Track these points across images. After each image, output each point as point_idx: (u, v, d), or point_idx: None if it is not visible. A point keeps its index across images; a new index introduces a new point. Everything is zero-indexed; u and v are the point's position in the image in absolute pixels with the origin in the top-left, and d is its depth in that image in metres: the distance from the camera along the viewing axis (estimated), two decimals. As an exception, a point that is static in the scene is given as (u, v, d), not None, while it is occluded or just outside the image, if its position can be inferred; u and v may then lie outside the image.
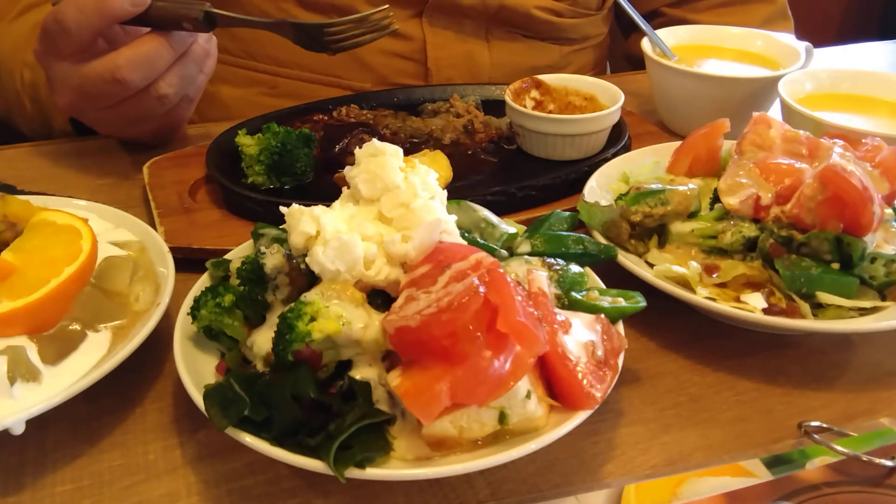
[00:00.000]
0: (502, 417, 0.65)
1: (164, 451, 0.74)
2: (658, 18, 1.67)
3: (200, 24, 1.06)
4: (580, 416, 0.66)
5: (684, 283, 0.85)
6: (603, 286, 0.81)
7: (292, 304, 0.66)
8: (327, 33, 1.10)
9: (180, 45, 1.07)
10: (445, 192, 0.77)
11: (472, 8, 1.43)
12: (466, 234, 0.79)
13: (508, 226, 0.86)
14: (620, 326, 0.76)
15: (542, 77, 1.24)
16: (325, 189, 1.06)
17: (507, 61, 1.51)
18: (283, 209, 0.74)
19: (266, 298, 0.73)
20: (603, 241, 0.89)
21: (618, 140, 1.17)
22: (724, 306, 0.81)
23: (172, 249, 0.88)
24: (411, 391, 0.62)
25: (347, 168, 0.76)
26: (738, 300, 0.83)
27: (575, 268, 0.79)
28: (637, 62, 1.62)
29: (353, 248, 0.68)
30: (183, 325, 0.75)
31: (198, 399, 0.67)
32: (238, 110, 1.45)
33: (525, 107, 1.18)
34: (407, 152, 0.80)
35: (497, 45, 1.50)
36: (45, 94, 1.27)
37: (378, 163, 0.73)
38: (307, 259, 0.70)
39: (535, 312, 0.68)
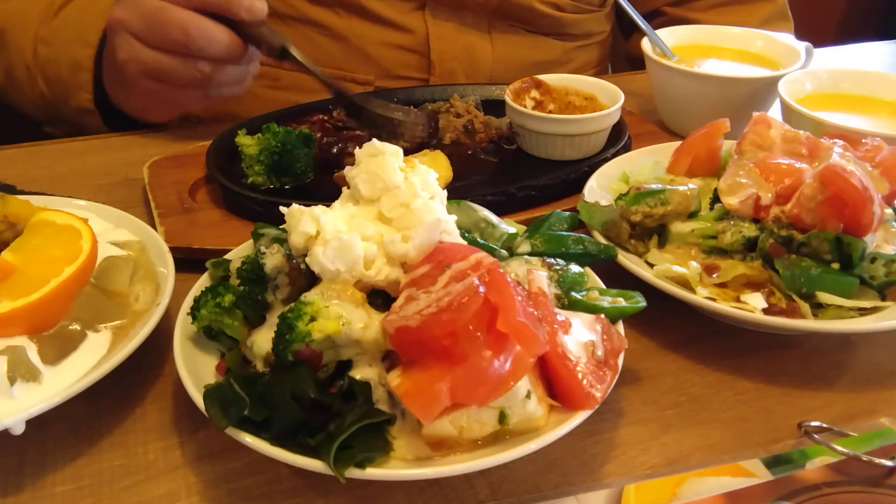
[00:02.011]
0: (502, 417, 0.65)
1: (164, 451, 0.74)
2: (659, 18, 1.68)
3: (273, 52, 1.15)
4: (580, 416, 0.66)
5: (684, 283, 0.85)
6: (603, 286, 0.81)
7: (292, 304, 0.66)
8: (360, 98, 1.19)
9: (248, 57, 1.18)
10: (445, 192, 0.77)
11: (474, 0, 1.44)
12: (466, 234, 0.79)
13: (508, 226, 0.86)
14: (620, 326, 0.76)
15: (543, 77, 1.24)
16: (325, 189, 1.06)
17: (510, 55, 1.51)
18: (283, 209, 0.74)
19: (266, 298, 0.73)
20: (603, 241, 0.89)
21: (618, 140, 1.17)
22: (724, 306, 0.81)
23: (172, 249, 0.88)
24: (411, 391, 0.62)
25: (347, 168, 0.76)
26: (738, 300, 0.83)
27: (575, 268, 0.79)
28: (637, 62, 1.62)
29: (353, 248, 0.68)
30: (183, 325, 0.75)
31: (198, 399, 0.67)
32: (241, 103, 1.44)
33: (525, 107, 1.18)
34: (407, 152, 0.80)
35: (499, 39, 1.50)
36: (65, 73, 1.27)
37: (378, 163, 0.73)
38: (307, 259, 0.70)
39: (535, 312, 0.68)
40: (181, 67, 1.13)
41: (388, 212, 0.72)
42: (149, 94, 1.20)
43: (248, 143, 1.09)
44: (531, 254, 0.81)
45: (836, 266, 0.82)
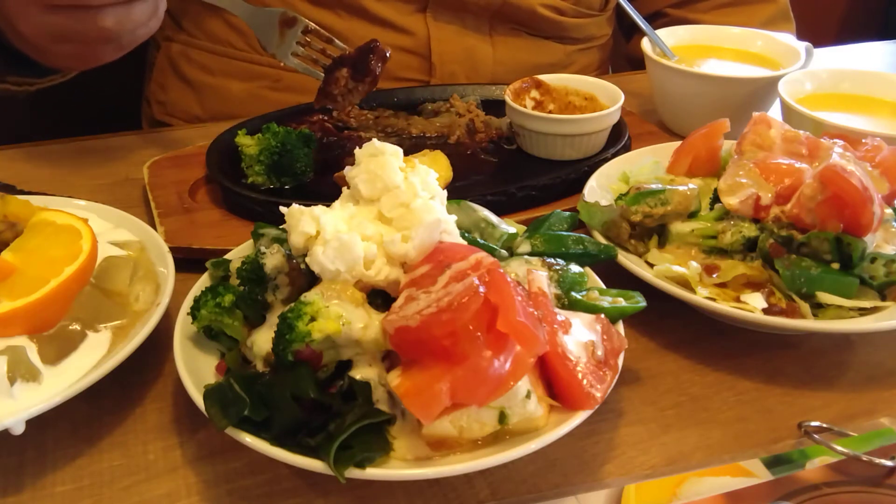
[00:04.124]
0: (502, 417, 0.65)
1: (164, 451, 0.74)
2: (661, 19, 1.67)
3: None
4: (580, 416, 0.66)
5: (684, 283, 0.85)
6: (603, 286, 0.81)
7: (292, 304, 0.66)
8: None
9: None
10: (445, 192, 0.77)
11: (475, 3, 1.44)
12: (466, 234, 0.79)
13: (508, 226, 0.86)
14: (620, 326, 0.76)
15: (543, 77, 1.24)
16: (325, 189, 1.06)
17: (511, 58, 1.51)
18: (283, 209, 0.74)
19: (266, 298, 0.73)
20: (603, 241, 0.89)
21: (618, 140, 1.17)
22: (724, 306, 0.81)
23: (172, 249, 0.88)
24: (411, 391, 0.62)
25: (347, 168, 0.76)
26: (738, 300, 0.83)
27: (575, 268, 0.79)
28: (637, 63, 1.62)
29: (353, 248, 0.68)
30: (183, 325, 0.75)
31: (198, 399, 0.67)
32: (242, 104, 1.45)
33: (525, 107, 1.18)
34: (408, 152, 0.80)
35: (500, 42, 1.50)
36: None
37: (378, 163, 0.73)
38: (307, 259, 0.70)
39: (535, 312, 0.68)
40: (83, 27, 1.03)
41: (388, 212, 0.72)
42: (65, 55, 1.12)
43: (248, 143, 1.09)
44: (531, 254, 0.81)
45: (836, 266, 0.82)
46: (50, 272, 0.77)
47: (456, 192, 0.93)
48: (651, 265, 0.88)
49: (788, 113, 1.14)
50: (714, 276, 0.84)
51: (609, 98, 1.19)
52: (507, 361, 0.63)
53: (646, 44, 1.33)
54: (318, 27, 1.13)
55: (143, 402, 0.79)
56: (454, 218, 0.74)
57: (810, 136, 0.93)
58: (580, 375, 0.68)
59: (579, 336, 0.71)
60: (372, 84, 1.13)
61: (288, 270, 0.72)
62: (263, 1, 1.41)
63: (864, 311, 0.82)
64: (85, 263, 0.79)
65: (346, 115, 1.26)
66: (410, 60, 1.47)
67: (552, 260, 0.79)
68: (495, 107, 1.28)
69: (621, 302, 0.78)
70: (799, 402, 0.80)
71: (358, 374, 0.67)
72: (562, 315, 0.72)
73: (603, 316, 0.74)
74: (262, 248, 0.74)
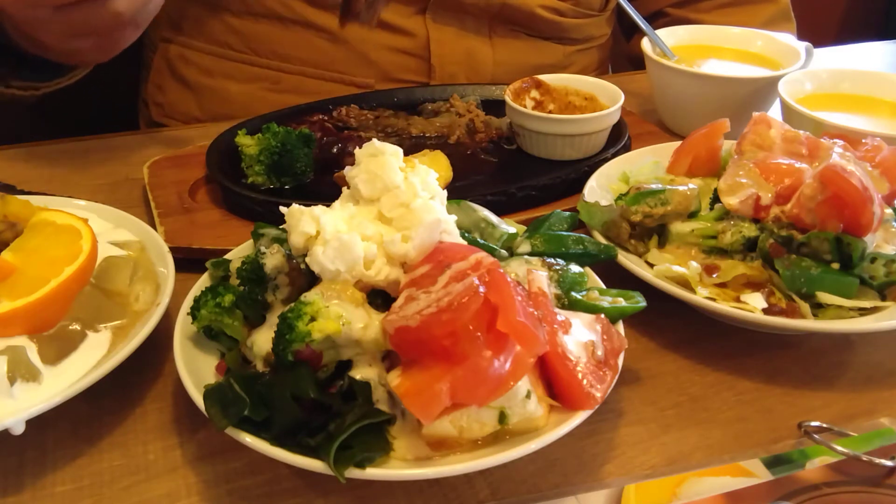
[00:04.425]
0: (502, 417, 0.65)
1: (164, 451, 0.74)
2: (662, 19, 1.68)
3: None
4: (580, 416, 0.66)
5: (684, 283, 0.85)
6: (603, 286, 0.81)
7: (292, 304, 0.66)
8: None
9: None
10: (445, 192, 0.77)
11: (474, 5, 1.44)
12: (466, 234, 0.79)
13: (508, 226, 0.86)
14: (620, 326, 0.76)
15: (543, 77, 1.24)
16: (325, 189, 1.06)
17: (510, 59, 1.51)
18: (283, 209, 0.74)
19: (266, 298, 0.73)
20: (603, 241, 0.89)
21: (618, 140, 1.18)
22: (724, 306, 0.81)
23: (172, 249, 0.88)
24: (411, 391, 0.62)
25: (347, 168, 0.76)
26: (738, 300, 0.83)
27: (575, 268, 0.79)
28: (638, 63, 1.62)
29: (353, 248, 0.68)
30: (183, 325, 0.75)
31: (198, 399, 0.67)
32: (241, 105, 1.45)
33: (525, 107, 1.18)
34: (408, 152, 0.80)
35: (500, 43, 1.50)
36: None
37: (378, 163, 0.73)
38: (307, 259, 0.70)
39: (535, 312, 0.68)
40: (97, 18, 1.02)
41: (388, 212, 0.72)
42: (87, 50, 1.12)
43: (248, 143, 1.09)
44: (531, 254, 0.81)
45: (836, 266, 0.82)
46: (50, 272, 0.77)
47: (456, 192, 0.94)
48: (651, 265, 0.88)
49: (788, 113, 1.14)
50: (714, 276, 0.84)
51: (609, 98, 1.19)
52: (507, 361, 0.63)
53: (646, 44, 1.33)
54: None
55: (143, 402, 0.79)
56: (454, 218, 0.74)
57: (810, 136, 0.93)
58: (580, 375, 0.68)
59: (579, 336, 0.71)
60: None
61: (288, 270, 0.72)
62: (265, 5, 1.41)
63: (864, 311, 0.82)
64: (85, 263, 0.79)
65: (345, 115, 1.26)
66: (410, 62, 1.47)
67: (552, 260, 0.79)
68: (495, 107, 1.28)
69: (621, 302, 0.78)
70: (799, 402, 0.80)
71: (358, 374, 0.67)
72: (562, 315, 0.72)
73: (603, 316, 0.74)
74: (262, 248, 0.74)
